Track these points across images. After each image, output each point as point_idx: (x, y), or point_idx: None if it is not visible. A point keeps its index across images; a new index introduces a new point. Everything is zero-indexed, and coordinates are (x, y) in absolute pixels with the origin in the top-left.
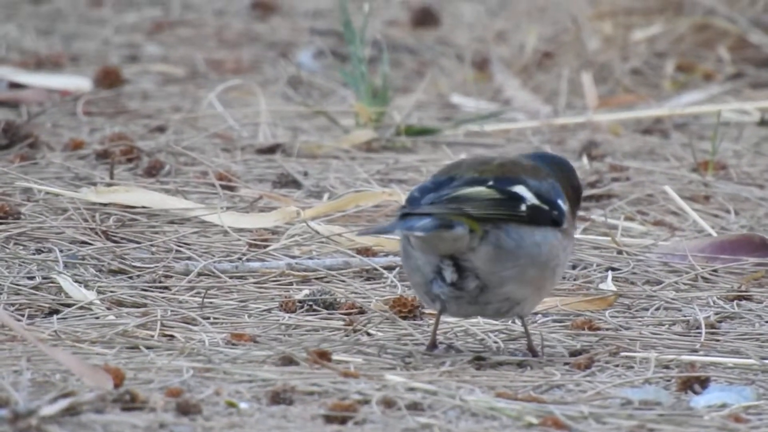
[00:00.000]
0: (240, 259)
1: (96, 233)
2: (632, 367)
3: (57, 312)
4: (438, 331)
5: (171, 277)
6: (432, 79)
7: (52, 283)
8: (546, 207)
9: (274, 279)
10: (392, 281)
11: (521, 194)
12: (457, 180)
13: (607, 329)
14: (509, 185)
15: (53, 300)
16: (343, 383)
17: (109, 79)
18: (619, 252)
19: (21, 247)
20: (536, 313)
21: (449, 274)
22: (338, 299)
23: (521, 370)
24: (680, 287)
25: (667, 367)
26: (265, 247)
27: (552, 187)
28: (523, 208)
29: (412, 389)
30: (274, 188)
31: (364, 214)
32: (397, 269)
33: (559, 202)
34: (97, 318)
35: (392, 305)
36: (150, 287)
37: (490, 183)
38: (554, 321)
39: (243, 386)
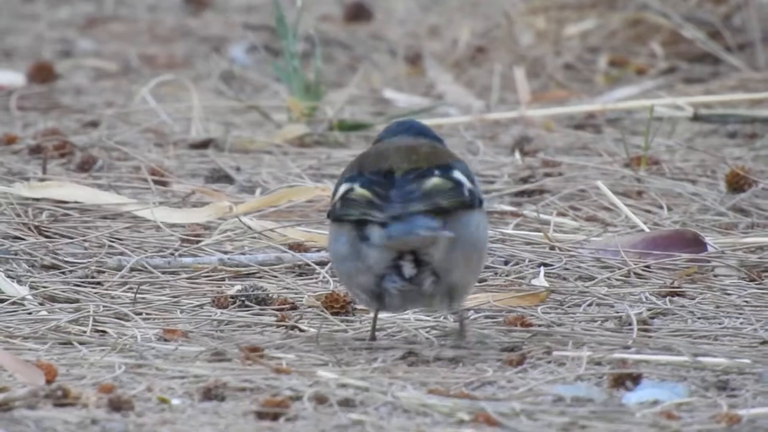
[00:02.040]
0: (172, 254)
1: (29, 228)
2: (564, 364)
3: None
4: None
5: (104, 272)
6: (365, 74)
7: None
8: (475, 189)
9: (207, 274)
10: (324, 277)
11: (461, 179)
12: (399, 173)
13: (540, 325)
14: (450, 172)
15: None
16: (275, 379)
17: (42, 74)
18: (552, 248)
19: None
20: (468, 309)
21: (408, 270)
22: (270, 295)
23: (453, 366)
24: (613, 283)
25: (599, 363)
26: (198, 242)
27: (467, 167)
28: (467, 193)
29: (343, 385)
30: (207, 183)
31: (296, 209)
32: (329, 265)
33: (476, 180)
34: (30, 313)
35: (324, 301)
36: (83, 282)
37: (437, 173)
38: (487, 317)
39: (175, 382)
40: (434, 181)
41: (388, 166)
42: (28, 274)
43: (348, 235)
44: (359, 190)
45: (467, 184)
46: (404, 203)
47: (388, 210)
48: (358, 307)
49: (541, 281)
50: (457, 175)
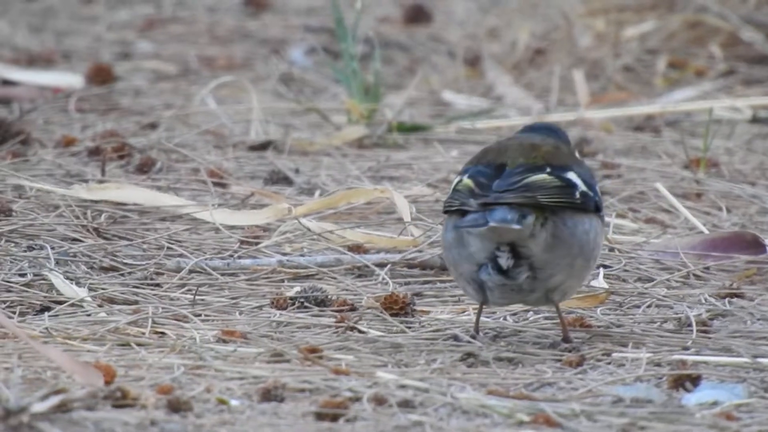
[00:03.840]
0: (231, 256)
1: (87, 230)
2: (623, 365)
3: (48, 309)
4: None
5: (162, 274)
6: (424, 76)
7: (43, 280)
8: (591, 193)
9: (266, 276)
10: (383, 278)
11: (574, 181)
12: (511, 167)
13: (599, 326)
14: (563, 172)
15: (44, 297)
16: (334, 380)
17: (101, 76)
18: (611, 249)
19: (12, 244)
20: (527, 311)
21: (505, 261)
22: (329, 296)
23: (512, 367)
24: (672, 284)
25: (658, 365)
26: (257, 244)
27: (589, 172)
28: (578, 195)
29: (403, 386)
30: (266, 185)
31: (355, 211)
32: (389, 266)
33: (597, 187)
34: (89, 315)
35: (383, 302)
36: (141, 284)
37: (548, 170)
38: (546, 318)
39: (234, 383)
40: (540, 176)
41: (503, 160)
42: (87, 275)
43: (452, 224)
44: (465, 181)
45: (581, 187)
46: (500, 193)
47: (481, 199)
48: (417, 308)
49: (600, 282)
50: (571, 176)
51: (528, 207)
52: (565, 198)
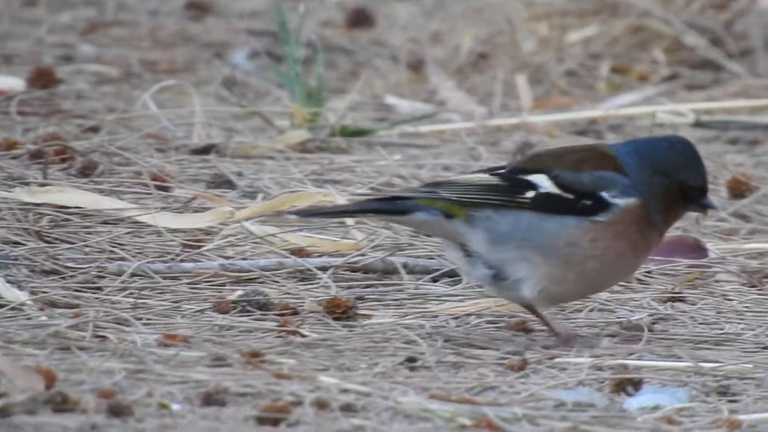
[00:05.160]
0: (173, 259)
1: (29, 233)
2: (566, 369)
3: None
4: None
5: (104, 277)
6: (367, 80)
7: None
8: (570, 196)
9: (208, 279)
10: (326, 282)
11: (534, 182)
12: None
13: (541, 331)
14: (524, 174)
15: None
16: (276, 384)
17: (42, 79)
18: None
19: None
20: (469, 315)
21: (458, 258)
22: (272, 300)
23: (455, 371)
24: (614, 289)
25: (600, 369)
26: (199, 247)
27: (595, 179)
28: (530, 194)
29: (345, 391)
30: (208, 188)
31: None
32: (332, 270)
33: (603, 194)
34: (29, 319)
35: (326, 306)
36: (83, 288)
37: (501, 171)
38: (488, 322)
39: (175, 387)
40: (476, 176)
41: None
42: (28, 279)
43: None
44: None
45: (547, 188)
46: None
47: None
48: (360, 312)
49: None
50: (534, 177)
51: (434, 203)
52: (493, 195)
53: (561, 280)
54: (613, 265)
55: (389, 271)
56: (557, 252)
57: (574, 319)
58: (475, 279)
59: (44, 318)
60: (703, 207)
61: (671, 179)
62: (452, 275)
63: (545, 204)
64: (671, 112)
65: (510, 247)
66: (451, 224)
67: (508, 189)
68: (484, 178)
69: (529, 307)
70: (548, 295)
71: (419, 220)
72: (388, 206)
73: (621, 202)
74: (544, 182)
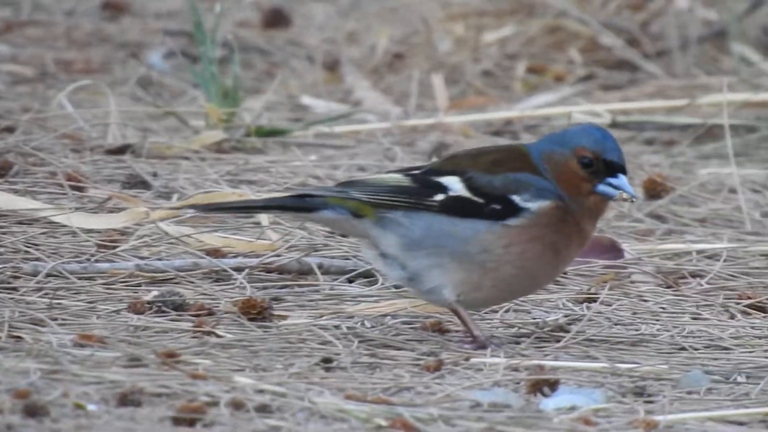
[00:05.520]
0: (89, 260)
1: None
2: (482, 370)
3: None
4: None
5: (19, 277)
6: (282, 81)
7: None
8: (479, 200)
9: (123, 280)
10: (241, 282)
11: (445, 184)
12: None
13: (457, 331)
14: (436, 175)
15: None
16: (192, 385)
17: None
18: None
19: None
20: (384, 315)
21: (373, 257)
22: (187, 301)
23: (371, 372)
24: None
25: (516, 369)
26: (114, 248)
27: (507, 182)
28: (439, 197)
29: (260, 391)
30: (124, 189)
31: (213, 215)
32: (247, 271)
33: (514, 197)
34: None
35: (241, 307)
36: None
37: (415, 172)
38: (403, 323)
39: (91, 388)
40: (388, 176)
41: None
42: None
43: None
44: None
45: (458, 191)
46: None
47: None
48: (275, 313)
49: None
50: (446, 179)
51: (345, 202)
52: (404, 198)
53: (478, 286)
54: (533, 268)
55: (304, 272)
56: (471, 258)
57: (490, 319)
58: (391, 279)
59: None
60: (611, 187)
61: (569, 148)
62: (368, 276)
63: (453, 208)
64: (587, 113)
65: (423, 254)
66: (360, 224)
67: (418, 191)
68: (396, 178)
69: (451, 309)
70: (468, 299)
71: (327, 218)
72: (295, 203)
73: (533, 206)
74: (455, 185)
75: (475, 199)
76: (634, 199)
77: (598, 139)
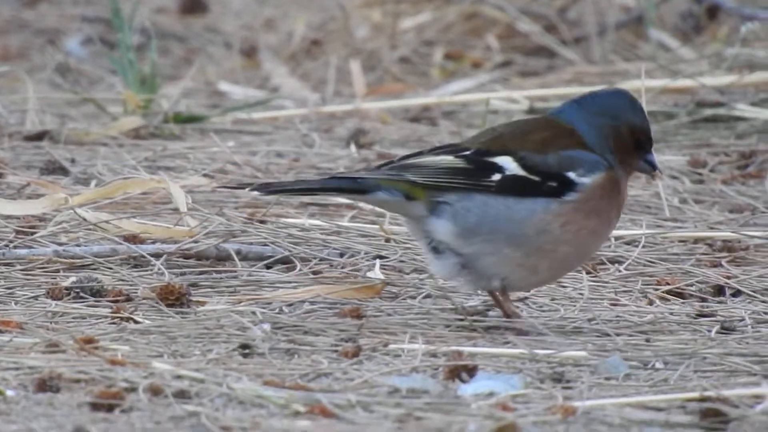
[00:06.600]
0: (7, 246)
1: None
2: (399, 356)
3: None
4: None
5: None
6: (200, 67)
7: None
8: (536, 178)
9: (41, 266)
10: (159, 268)
11: (500, 164)
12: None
13: (375, 317)
14: (489, 156)
15: None
16: (110, 371)
17: None
18: (387, 240)
19: None
20: (303, 301)
21: (424, 249)
22: (105, 286)
23: (288, 358)
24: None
25: (434, 355)
26: (33, 233)
27: (561, 159)
28: (496, 177)
29: (179, 377)
30: (42, 175)
31: (131, 201)
32: (165, 257)
33: (570, 174)
34: None
35: (159, 293)
36: None
37: (466, 153)
38: (321, 309)
39: (9, 374)
40: (438, 158)
41: (462, 143)
42: None
43: None
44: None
45: (513, 170)
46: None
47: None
48: (193, 299)
49: (376, 273)
50: (500, 159)
51: (397, 184)
52: (461, 179)
53: (534, 269)
54: (587, 244)
55: (222, 258)
56: (528, 242)
57: (409, 305)
58: (441, 268)
59: None
60: (650, 164)
61: (620, 121)
62: (286, 262)
63: (511, 187)
64: (505, 99)
65: (479, 240)
66: (412, 207)
67: (473, 172)
68: (448, 160)
69: (492, 294)
70: (519, 284)
71: (381, 199)
72: (350, 185)
73: (588, 180)
74: (509, 164)
75: (532, 177)
76: (662, 176)
77: (644, 117)
